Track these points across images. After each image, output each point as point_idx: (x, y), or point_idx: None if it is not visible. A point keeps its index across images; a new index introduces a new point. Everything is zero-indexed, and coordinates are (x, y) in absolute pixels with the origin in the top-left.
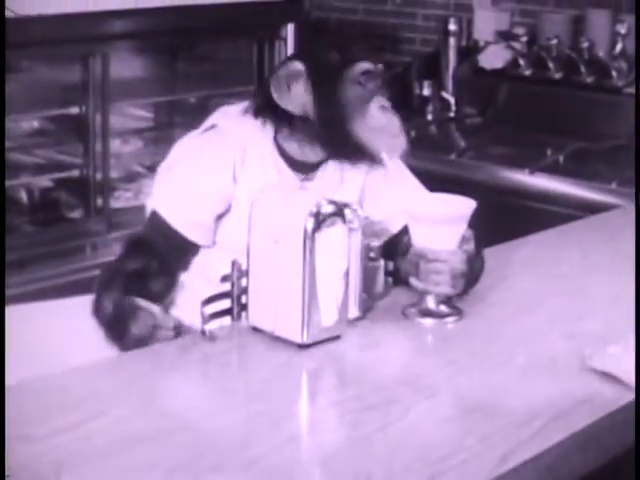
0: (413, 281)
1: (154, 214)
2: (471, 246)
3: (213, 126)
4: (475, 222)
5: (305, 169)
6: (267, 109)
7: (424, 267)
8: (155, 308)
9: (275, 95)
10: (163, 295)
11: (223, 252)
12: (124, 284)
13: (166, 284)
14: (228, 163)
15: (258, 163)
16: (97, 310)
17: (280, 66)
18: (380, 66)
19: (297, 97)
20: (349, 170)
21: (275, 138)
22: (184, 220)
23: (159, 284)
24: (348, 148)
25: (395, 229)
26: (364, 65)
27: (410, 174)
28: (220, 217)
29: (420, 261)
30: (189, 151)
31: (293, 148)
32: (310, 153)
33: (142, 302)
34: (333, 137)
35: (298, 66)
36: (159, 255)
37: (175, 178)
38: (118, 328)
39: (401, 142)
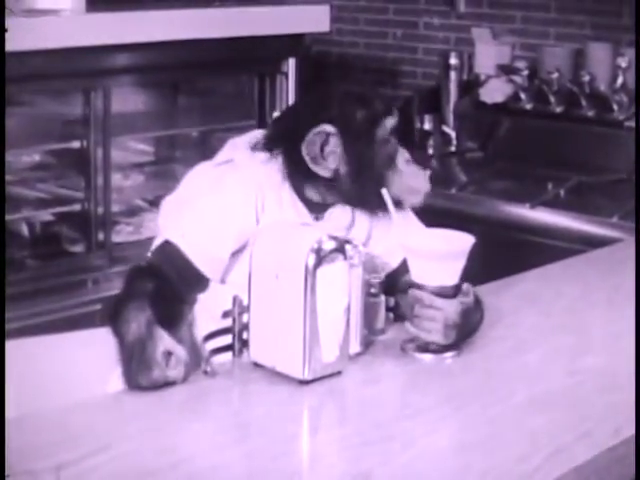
0: (407, 325)
1: (167, 244)
2: (469, 299)
3: (228, 160)
4: (475, 257)
5: (319, 209)
6: (285, 159)
7: (419, 311)
8: (181, 351)
9: (308, 160)
10: (175, 324)
11: (233, 289)
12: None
13: (178, 313)
14: (251, 200)
15: (276, 201)
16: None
17: (309, 127)
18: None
19: (331, 161)
20: (359, 212)
21: (289, 175)
22: (202, 253)
23: (170, 311)
24: (380, 204)
25: (395, 263)
26: (391, 121)
27: (410, 212)
28: (235, 254)
29: (416, 305)
30: (207, 183)
31: (310, 191)
32: (327, 197)
33: (168, 341)
34: (367, 194)
35: (329, 129)
36: (169, 284)
37: (194, 210)
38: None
39: (424, 193)
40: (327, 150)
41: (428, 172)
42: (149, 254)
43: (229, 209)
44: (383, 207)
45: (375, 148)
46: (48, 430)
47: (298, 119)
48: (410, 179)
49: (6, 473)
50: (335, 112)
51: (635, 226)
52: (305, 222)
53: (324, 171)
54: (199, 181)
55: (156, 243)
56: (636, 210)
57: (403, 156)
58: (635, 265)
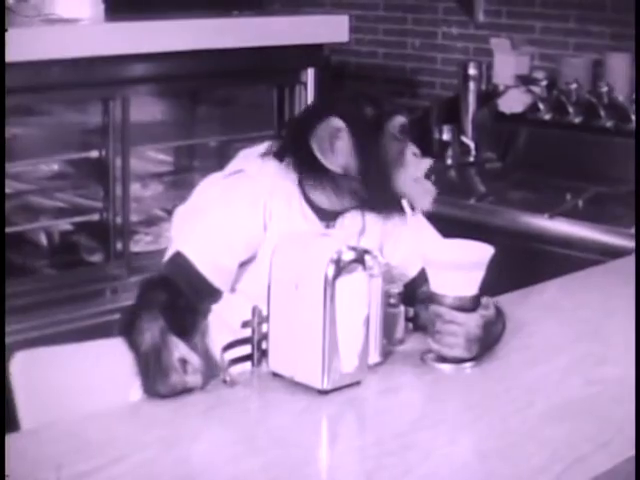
0: (429, 341)
1: (178, 255)
2: (490, 312)
3: (238, 171)
4: (494, 267)
5: (329, 217)
6: (296, 160)
7: (440, 327)
8: (196, 359)
9: (319, 154)
10: (188, 335)
11: (244, 299)
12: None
13: (190, 323)
14: (259, 210)
15: (285, 210)
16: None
17: (318, 123)
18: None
19: (341, 156)
20: (370, 218)
21: (300, 183)
22: (210, 264)
23: (182, 322)
24: (390, 201)
25: (412, 273)
26: (400, 119)
27: (425, 220)
28: (243, 264)
29: (437, 320)
30: (217, 194)
31: (320, 196)
32: (337, 202)
33: (183, 349)
34: (376, 191)
35: (339, 123)
36: (181, 295)
37: (203, 221)
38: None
39: (433, 188)
40: (337, 145)
41: (430, 161)
42: (162, 266)
43: (237, 219)
44: (395, 208)
45: (384, 145)
46: (65, 440)
47: (307, 118)
48: (418, 173)
49: (6, 473)
50: (344, 108)
51: (635, 234)
52: (324, 232)
53: (334, 166)
54: (209, 192)
55: (168, 254)
56: (636, 217)
57: (411, 149)
58: (635, 273)
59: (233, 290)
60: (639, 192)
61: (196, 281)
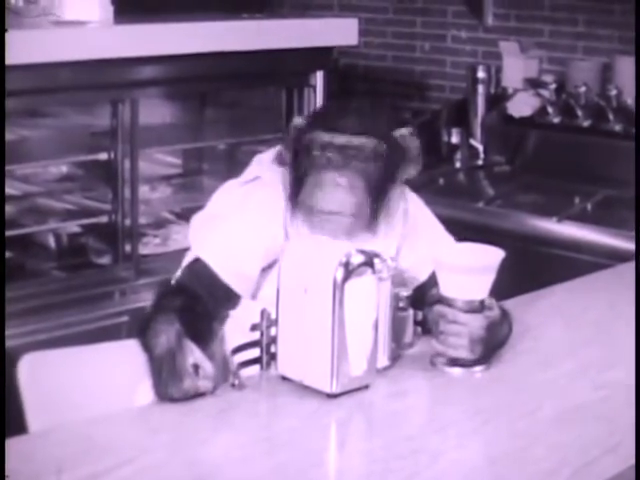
0: (433, 342)
1: (198, 261)
2: (494, 313)
3: (256, 178)
4: (503, 270)
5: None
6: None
7: (444, 327)
8: (209, 366)
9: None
10: (205, 341)
11: (265, 306)
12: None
13: (208, 329)
14: (278, 216)
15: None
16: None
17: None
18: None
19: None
20: (386, 225)
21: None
22: (231, 270)
23: (200, 327)
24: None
25: (423, 277)
26: (322, 136)
27: (437, 223)
28: (264, 271)
29: (440, 320)
30: (235, 201)
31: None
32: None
33: (197, 354)
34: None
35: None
36: (199, 300)
37: (223, 228)
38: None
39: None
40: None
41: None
42: (179, 271)
43: (257, 226)
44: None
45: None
46: (74, 442)
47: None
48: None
49: (9, 475)
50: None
51: (635, 238)
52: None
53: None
54: (227, 199)
55: (187, 259)
56: (636, 220)
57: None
58: (635, 277)
59: (254, 297)
60: (639, 195)
61: (216, 287)
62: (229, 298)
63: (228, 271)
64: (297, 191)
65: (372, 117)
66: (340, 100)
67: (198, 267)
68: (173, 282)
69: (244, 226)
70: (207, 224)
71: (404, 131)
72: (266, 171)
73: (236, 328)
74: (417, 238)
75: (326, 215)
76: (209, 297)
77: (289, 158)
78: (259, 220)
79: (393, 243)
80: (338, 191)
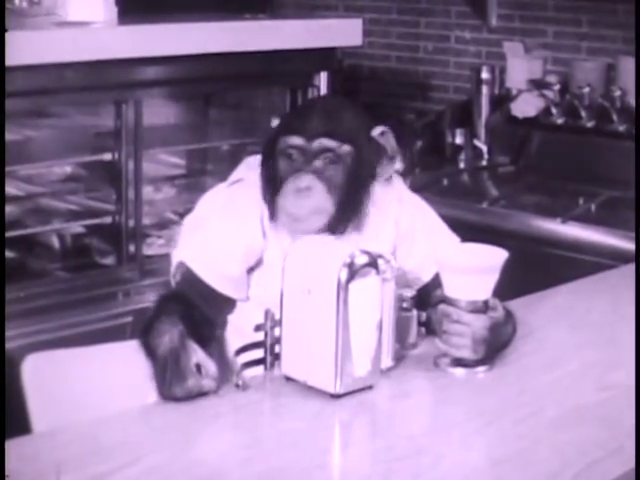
0: (437, 341)
1: (182, 265)
2: (498, 313)
3: (239, 180)
4: (507, 271)
5: None
6: None
7: (447, 327)
8: (212, 365)
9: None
10: (205, 346)
11: (257, 306)
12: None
13: (208, 336)
14: (256, 217)
15: None
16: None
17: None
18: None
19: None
20: (381, 224)
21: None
22: (214, 273)
23: (200, 334)
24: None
25: (426, 278)
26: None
27: (441, 223)
28: (252, 270)
29: (444, 320)
30: (218, 204)
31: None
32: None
33: (200, 354)
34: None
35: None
36: (197, 308)
37: (203, 231)
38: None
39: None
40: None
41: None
42: (171, 277)
43: (235, 227)
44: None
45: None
46: (78, 443)
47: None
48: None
49: (6, 474)
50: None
51: (635, 238)
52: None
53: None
54: (211, 202)
55: (173, 263)
56: (636, 220)
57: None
58: (635, 279)
59: (247, 297)
60: (639, 195)
61: (206, 292)
62: (220, 300)
63: (212, 274)
64: (270, 193)
65: (336, 118)
66: (308, 102)
67: (187, 273)
68: (170, 293)
69: (222, 227)
70: (192, 227)
71: (379, 129)
72: (249, 172)
73: (231, 330)
74: (417, 239)
75: (295, 218)
76: (204, 304)
77: (260, 161)
78: (237, 221)
79: (386, 241)
80: (301, 194)
